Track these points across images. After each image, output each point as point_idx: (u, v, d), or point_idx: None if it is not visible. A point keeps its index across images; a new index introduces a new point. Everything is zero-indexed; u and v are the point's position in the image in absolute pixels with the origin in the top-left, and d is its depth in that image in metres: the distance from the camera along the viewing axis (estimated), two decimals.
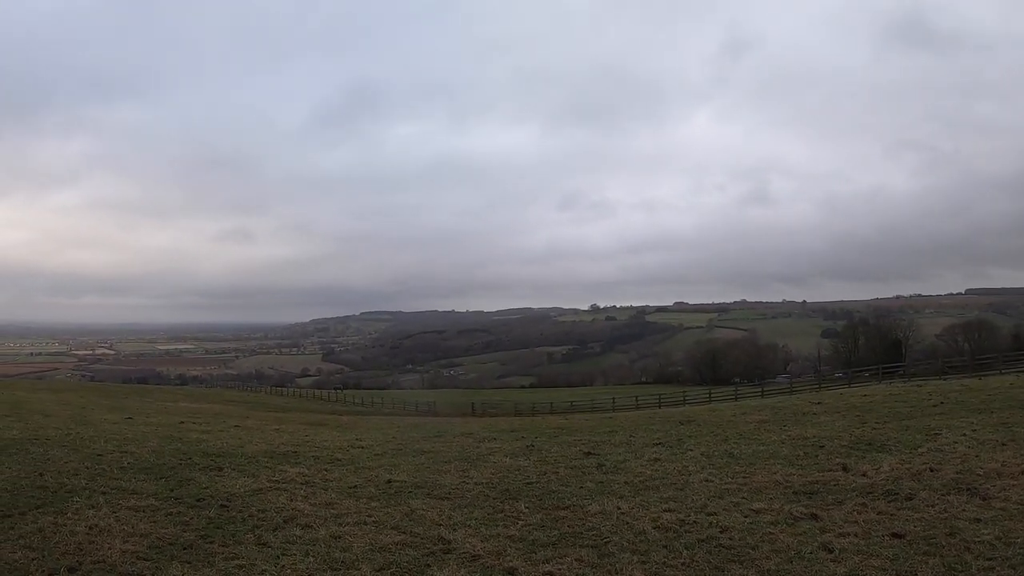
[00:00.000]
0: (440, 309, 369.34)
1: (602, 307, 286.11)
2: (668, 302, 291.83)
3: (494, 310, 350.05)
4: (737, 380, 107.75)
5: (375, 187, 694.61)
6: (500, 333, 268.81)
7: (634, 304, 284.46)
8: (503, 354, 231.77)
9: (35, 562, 6.80)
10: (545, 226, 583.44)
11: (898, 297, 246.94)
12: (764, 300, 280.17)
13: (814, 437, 14.31)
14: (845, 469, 10.87)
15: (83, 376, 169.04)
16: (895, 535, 7.32)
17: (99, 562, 6.87)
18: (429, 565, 7.02)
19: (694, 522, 8.23)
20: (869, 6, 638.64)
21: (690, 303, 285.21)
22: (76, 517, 8.42)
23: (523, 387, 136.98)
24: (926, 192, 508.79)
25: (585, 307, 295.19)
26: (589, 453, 13.95)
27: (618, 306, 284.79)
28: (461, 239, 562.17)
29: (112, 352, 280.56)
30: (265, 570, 6.81)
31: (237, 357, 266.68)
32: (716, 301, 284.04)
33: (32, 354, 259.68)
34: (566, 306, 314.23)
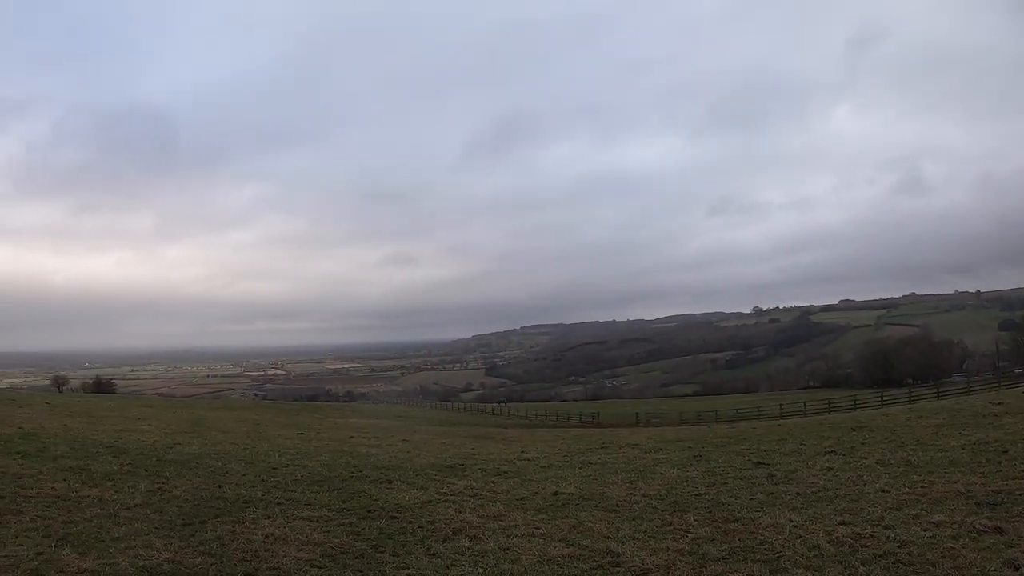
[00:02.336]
0: (600, 319, 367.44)
1: (765, 309, 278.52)
2: (833, 300, 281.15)
3: (654, 318, 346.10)
4: (910, 381, 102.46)
5: (530, 207, 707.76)
6: (661, 341, 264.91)
7: (798, 304, 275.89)
8: (665, 362, 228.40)
9: (214, 567, 7.07)
10: (698, 232, 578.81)
11: None
12: (935, 292, 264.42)
13: (996, 441, 13.37)
14: None
15: (256, 395, 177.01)
16: None
17: (274, 568, 7.08)
18: None
19: (870, 536, 7.75)
20: None
21: (856, 300, 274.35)
22: (253, 526, 8.75)
23: (686, 396, 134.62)
24: None
25: (747, 310, 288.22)
26: (759, 463, 13.50)
27: (781, 307, 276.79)
28: (617, 250, 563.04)
29: (283, 372, 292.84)
30: None
31: (402, 374, 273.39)
32: (883, 297, 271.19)
33: (208, 376, 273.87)
34: (727, 310, 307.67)
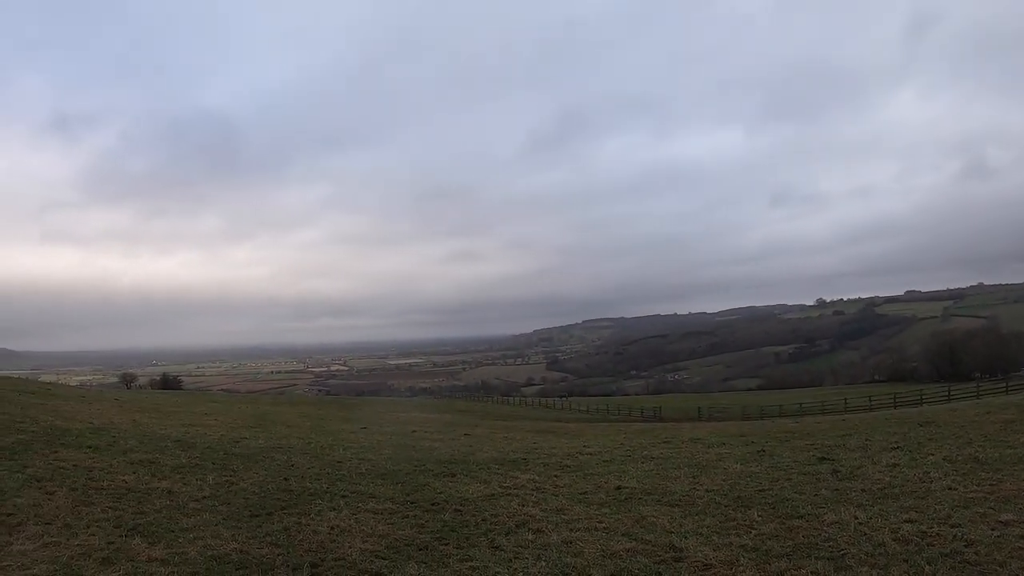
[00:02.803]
0: (662, 313, 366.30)
1: (828, 301, 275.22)
2: (898, 291, 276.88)
3: (716, 311, 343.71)
4: (977, 375, 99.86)
5: (590, 201, 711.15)
6: (724, 334, 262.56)
7: (862, 296, 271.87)
8: (728, 356, 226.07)
9: (280, 557, 7.22)
10: (759, 224, 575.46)
11: None
12: (1003, 282, 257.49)
13: None
14: None
15: (319, 390, 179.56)
16: None
17: (340, 559, 7.20)
18: (660, 573, 6.82)
19: (936, 534, 7.55)
20: None
21: (922, 291, 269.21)
22: (319, 518, 8.90)
23: (749, 390, 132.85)
24: None
25: (810, 302, 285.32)
26: (823, 458, 13.26)
27: (845, 299, 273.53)
28: (678, 243, 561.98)
29: (346, 368, 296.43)
30: (498, 573, 6.84)
31: (464, 369, 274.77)
32: (950, 287, 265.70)
33: (272, 372, 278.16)
34: (790, 302, 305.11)
